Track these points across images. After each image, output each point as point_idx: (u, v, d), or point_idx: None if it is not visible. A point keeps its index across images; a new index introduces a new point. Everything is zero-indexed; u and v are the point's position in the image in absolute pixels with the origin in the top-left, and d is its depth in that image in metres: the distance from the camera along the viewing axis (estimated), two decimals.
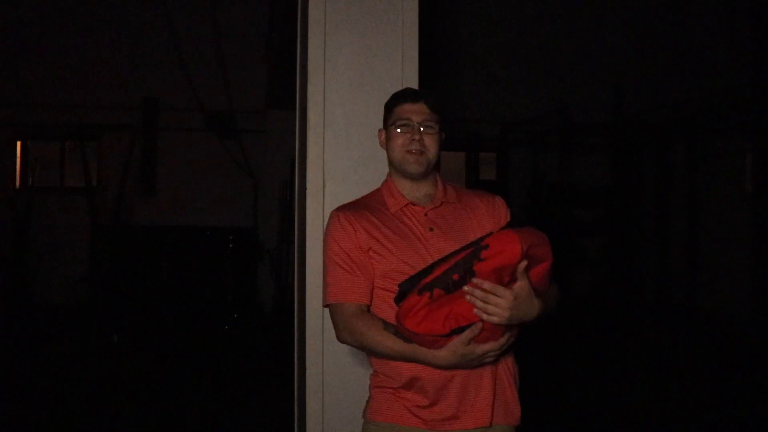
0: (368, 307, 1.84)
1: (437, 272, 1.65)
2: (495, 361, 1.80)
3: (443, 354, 1.68)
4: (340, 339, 1.85)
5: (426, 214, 1.91)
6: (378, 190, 2.00)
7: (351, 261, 1.84)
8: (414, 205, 1.92)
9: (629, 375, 6.29)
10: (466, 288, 1.61)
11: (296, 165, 2.86)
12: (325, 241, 1.91)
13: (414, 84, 2.55)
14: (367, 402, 1.92)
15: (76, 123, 9.79)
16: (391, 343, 1.73)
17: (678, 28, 10.55)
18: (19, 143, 10.36)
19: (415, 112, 1.90)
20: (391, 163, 1.96)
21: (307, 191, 2.55)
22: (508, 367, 1.91)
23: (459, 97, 10.61)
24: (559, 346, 7.28)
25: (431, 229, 1.87)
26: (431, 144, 1.90)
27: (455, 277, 1.62)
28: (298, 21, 2.76)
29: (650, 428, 4.92)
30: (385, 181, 2.00)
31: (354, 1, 2.57)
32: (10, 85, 9.91)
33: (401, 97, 1.94)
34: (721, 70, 9.52)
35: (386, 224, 1.87)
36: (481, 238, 1.66)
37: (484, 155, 10.76)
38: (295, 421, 2.76)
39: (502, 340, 1.71)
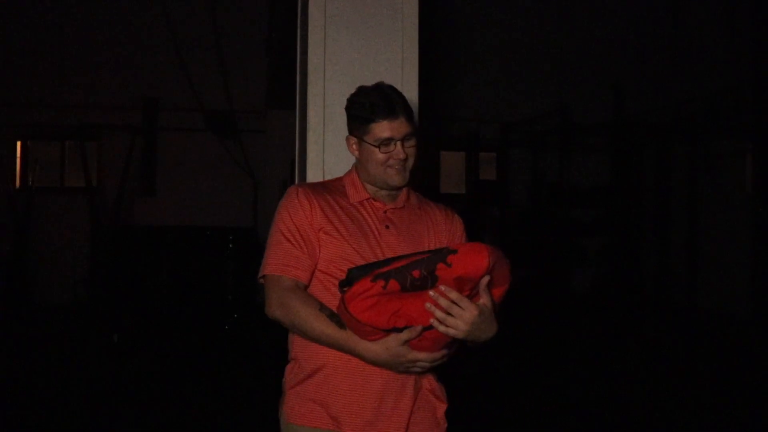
0: (306, 286, 1.79)
1: (394, 265, 1.60)
2: (420, 373, 1.75)
3: (375, 348, 1.63)
4: (270, 313, 1.78)
5: (385, 212, 1.87)
6: (340, 179, 1.95)
7: (300, 236, 1.78)
8: (375, 200, 1.88)
9: (629, 375, 6.29)
10: (431, 293, 1.55)
11: (296, 165, 2.86)
12: (277, 212, 1.85)
13: (414, 84, 2.55)
14: (282, 401, 1.85)
15: (76, 123, 9.78)
16: (324, 326, 1.68)
17: (678, 28, 10.55)
18: (19, 143, 10.36)
19: (395, 128, 1.80)
20: (366, 173, 1.87)
21: None
22: (431, 381, 1.85)
23: (459, 97, 10.61)
24: (558, 346, 7.28)
25: (387, 227, 1.84)
26: (411, 154, 1.84)
27: (416, 273, 1.57)
28: (298, 21, 2.76)
29: (650, 428, 4.92)
30: (349, 173, 1.94)
31: (354, 1, 2.57)
32: (10, 85, 9.91)
33: (378, 112, 1.79)
34: (721, 70, 9.52)
35: (344, 210, 1.83)
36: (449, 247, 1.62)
37: (484, 155, 10.76)
38: None
39: (437, 355, 1.65)
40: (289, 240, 1.79)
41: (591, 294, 10.03)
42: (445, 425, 1.86)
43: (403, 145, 1.81)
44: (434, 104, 9.94)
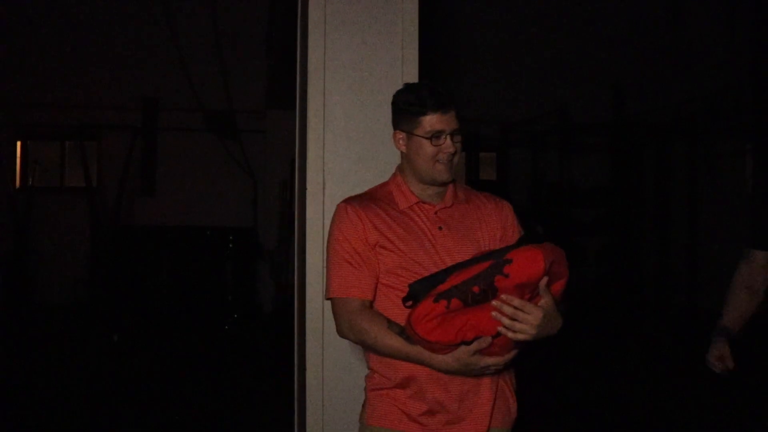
0: (371, 303, 1.82)
1: (453, 280, 1.62)
2: (496, 373, 1.79)
3: (446, 359, 1.67)
4: (341, 334, 1.82)
5: (436, 213, 1.87)
6: (386, 185, 1.94)
7: (357, 255, 1.80)
8: (424, 203, 1.88)
9: (629, 375, 6.28)
10: (494, 303, 1.59)
11: (296, 165, 2.86)
12: (331, 232, 1.86)
13: None
14: (363, 405, 1.89)
15: (76, 123, 9.78)
16: (394, 342, 1.72)
17: (678, 28, 10.55)
18: (19, 143, 10.36)
19: (446, 122, 1.81)
20: (413, 169, 1.87)
21: (307, 191, 2.55)
22: (508, 374, 1.91)
23: (459, 97, 10.58)
24: (559, 346, 7.27)
25: (440, 228, 1.84)
26: (459, 150, 1.86)
27: (475, 289, 1.60)
28: (298, 21, 2.76)
29: (650, 428, 4.92)
30: (394, 177, 1.94)
31: (354, 1, 2.57)
32: (10, 85, 9.91)
33: (430, 105, 1.80)
34: (721, 70, 9.52)
35: (395, 220, 1.83)
36: (503, 251, 1.64)
37: (484, 155, 10.76)
38: (295, 421, 2.76)
39: (508, 357, 1.70)
40: (347, 261, 1.80)
41: (591, 294, 10.03)
42: (516, 415, 1.91)
43: (452, 139, 1.83)
44: None
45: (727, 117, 9.03)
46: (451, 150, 1.82)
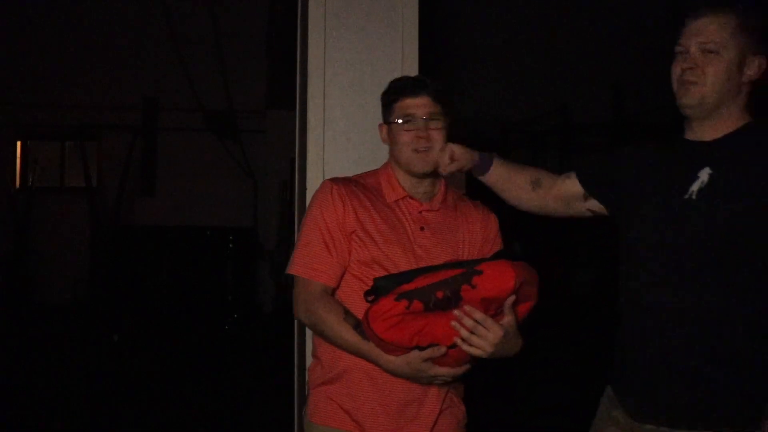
0: (334, 290, 1.79)
1: (420, 282, 1.58)
2: (444, 384, 1.75)
3: (396, 361, 1.63)
4: (296, 315, 1.80)
5: (420, 212, 1.84)
6: (376, 174, 1.92)
7: (331, 239, 1.76)
8: (412, 198, 1.85)
9: None
10: (456, 313, 1.56)
11: (296, 165, 2.86)
12: (310, 207, 1.83)
13: None
14: (306, 401, 1.85)
15: (76, 123, 9.79)
16: (347, 334, 1.68)
17: (678, 27, 10.55)
18: (19, 143, 10.36)
19: (418, 105, 1.80)
20: (395, 160, 1.87)
21: (307, 191, 2.55)
22: (457, 384, 1.87)
23: (459, 97, 10.61)
24: (559, 346, 7.27)
25: (422, 229, 1.81)
26: (438, 138, 1.81)
27: (439, 294, 1.56)
28: (298, 21, 2.76)
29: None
30: (385, 168, 1.92)
31: (354, 1, 2.57)
32: (10, 85, 9.91)
33: (401, 90, 1.83)
34: None
35: (379, 213, 1.80)
36: (475, 262, 1.61)
37: None
38: (295, 421, 2.76)
39: (460, 370, 1.67)
40: (322, 243, 1.77)
41: (591, 294, 10.02)
42: (466, 421, 1.88)
43: (427, 125, 1.80)
44: None
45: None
46: (423, 135, 1.79)
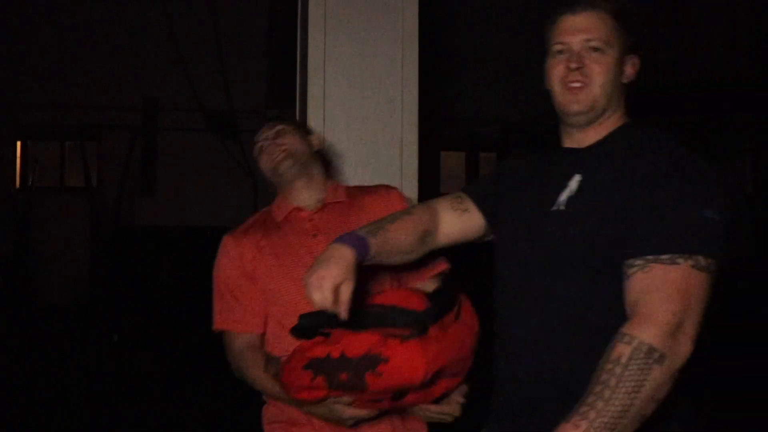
0: (259, 337, 1.79)
1: (336, 338, 1.50)
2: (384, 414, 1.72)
3: (316, 410, 1.63)
4: (230, 366, 1.83)
5: (311, 220, 1.81)
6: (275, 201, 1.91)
7: (238, 289, 1.80)
8: (300, 210, 1.83)
9: None
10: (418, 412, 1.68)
11: None
12: (214, 265, 1.89)
13: (414, 84, 2.53)
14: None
15: (76, 123, 9.79)
16: (269, 385, 1.71)
17: (678, 27, 10.55)
18: (19, 143, 10.36)
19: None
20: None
21: None
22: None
23: (459, 97, 10.61)
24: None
25: (314, 236, 1.78)
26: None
27: (343, 377, 1.48)
28: (298, 21, 2.76)
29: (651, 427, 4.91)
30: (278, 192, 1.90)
31: (354, 1, 2.57)
32: (10, 85, 9.91)
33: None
34: (721, 69, 9.51)
35: (270, 241, 1.79)
36: (402, 317, 1.49)
37: (484, 155, 10.76)
38: None
39: (376, 412, 1.65)
40: (229, 294, 1.82)
41: None
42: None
43: (275, 139, 1.86)
44: (434, 104, 9.94)
45: (726, 117, 9.03)
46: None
